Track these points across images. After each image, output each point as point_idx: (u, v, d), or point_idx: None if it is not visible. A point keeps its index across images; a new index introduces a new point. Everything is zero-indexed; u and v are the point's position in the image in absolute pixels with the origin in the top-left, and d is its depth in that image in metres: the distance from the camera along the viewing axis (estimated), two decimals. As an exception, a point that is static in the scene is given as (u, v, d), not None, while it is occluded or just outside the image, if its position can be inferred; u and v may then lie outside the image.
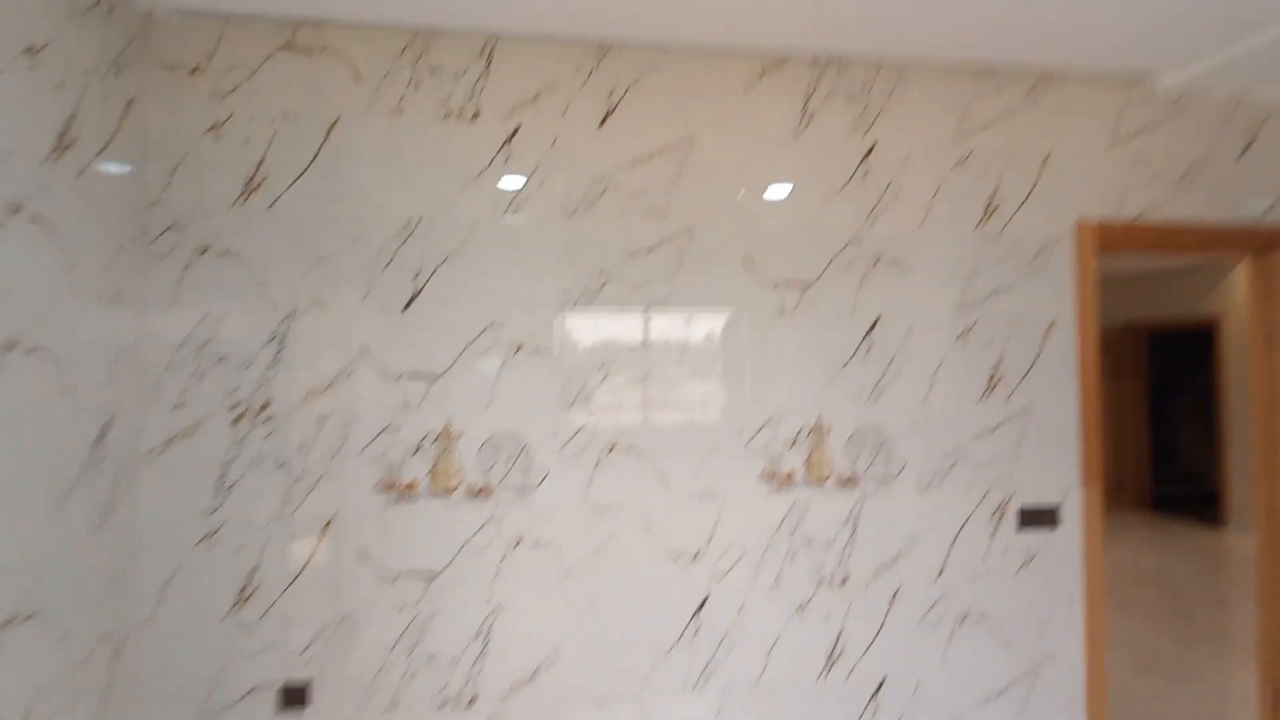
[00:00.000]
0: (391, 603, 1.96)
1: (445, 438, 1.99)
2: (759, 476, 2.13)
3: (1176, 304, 6.98)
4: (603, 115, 2.10)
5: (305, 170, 1.96)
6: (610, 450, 2.07)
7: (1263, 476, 2.56)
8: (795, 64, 2.20)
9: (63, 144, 1.56)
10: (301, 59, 1.98)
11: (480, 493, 2.00)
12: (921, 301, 2.22)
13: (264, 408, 1.92)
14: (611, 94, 2.11)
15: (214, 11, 1.92)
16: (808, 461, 2.15)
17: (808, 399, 2.16)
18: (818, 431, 2.16)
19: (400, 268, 1.99)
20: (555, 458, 2.04)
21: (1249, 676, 3.39)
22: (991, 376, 2.25)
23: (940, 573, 2.20)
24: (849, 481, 2.17)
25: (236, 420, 1.91)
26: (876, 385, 2.19)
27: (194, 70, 1.93)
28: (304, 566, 1.93)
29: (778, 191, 2.18)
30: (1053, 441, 2.28)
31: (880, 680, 2.16)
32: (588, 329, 2.07)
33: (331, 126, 1.98)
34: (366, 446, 1.96)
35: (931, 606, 2.19)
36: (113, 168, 1.75)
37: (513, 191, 2.05)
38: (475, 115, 2.04)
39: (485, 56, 2.06)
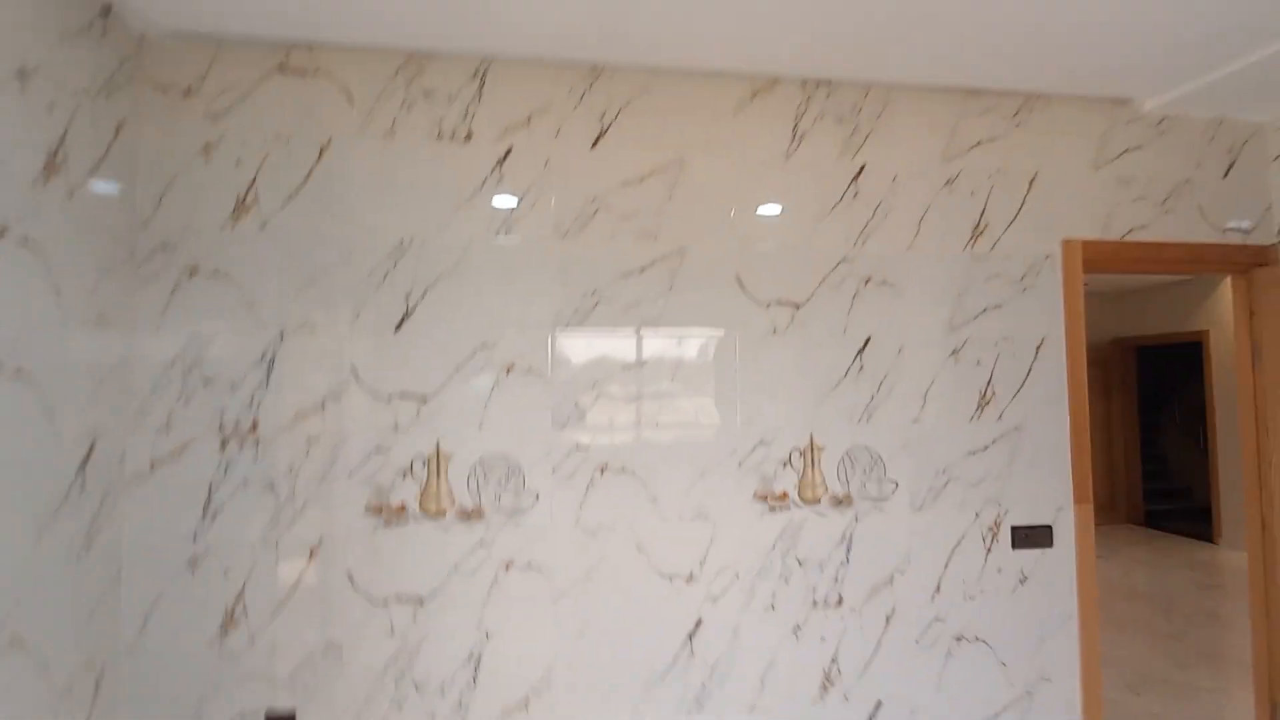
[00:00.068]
0: (380, 628, 1.92)
1: (436, 459, 1.97)
2: (752, 497, 2.12)
3: (1164, 319, 7.06)
4: (595, 137, 2.12)
5: (297, 191, 1.96)
6: (602, 471, 2.06)
7: (1253, 494, 2.57)
8: (785, 86, 2.23)
9: (52, 166, 1.55)
10: (295, 81, 1.98)
11: (471, 515, 1.98)
12: (912, 321, 2.23)
13: (252, 429, 1.90)
14: (603, 116, 2.13)
15: (207, 34, 1.93)
16: (800, 482, 2.14)
17: (800, 419, 2.16)
18: (810, 451, 2.16)
19: (392, 288, 1.99)
20: (547, 479, 2.03)
21: (1245, 694, 3.38)
22: (982, 395, 2.26)
23: (935, 593, 2.19)
24: (842, 501, 2.16)
25: (224, 442, 1.89)
26: (868, 405, 2.19)
27: (187, 92, 1.93)
28: (291, 591, 1.90)
29: (768, 212, 2.19)
30: (1044, 459, 2.28)
31: (876, 704, 2.14)
32: (580, 349, 2.07)
33: (324, 148, 1.98)
34: (356, 469, 1.94)
35: (927, 627, 2.18)
36: (102, 189, 1.74)
37: (505, 212, 2.05)
38: (468, 137, 2.05)
39: (478, 79, 2.07)
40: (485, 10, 1.83)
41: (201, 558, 1.87)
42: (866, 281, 2.22)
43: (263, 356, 1.91)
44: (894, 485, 2.19)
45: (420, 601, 1.94)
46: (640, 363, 2.09)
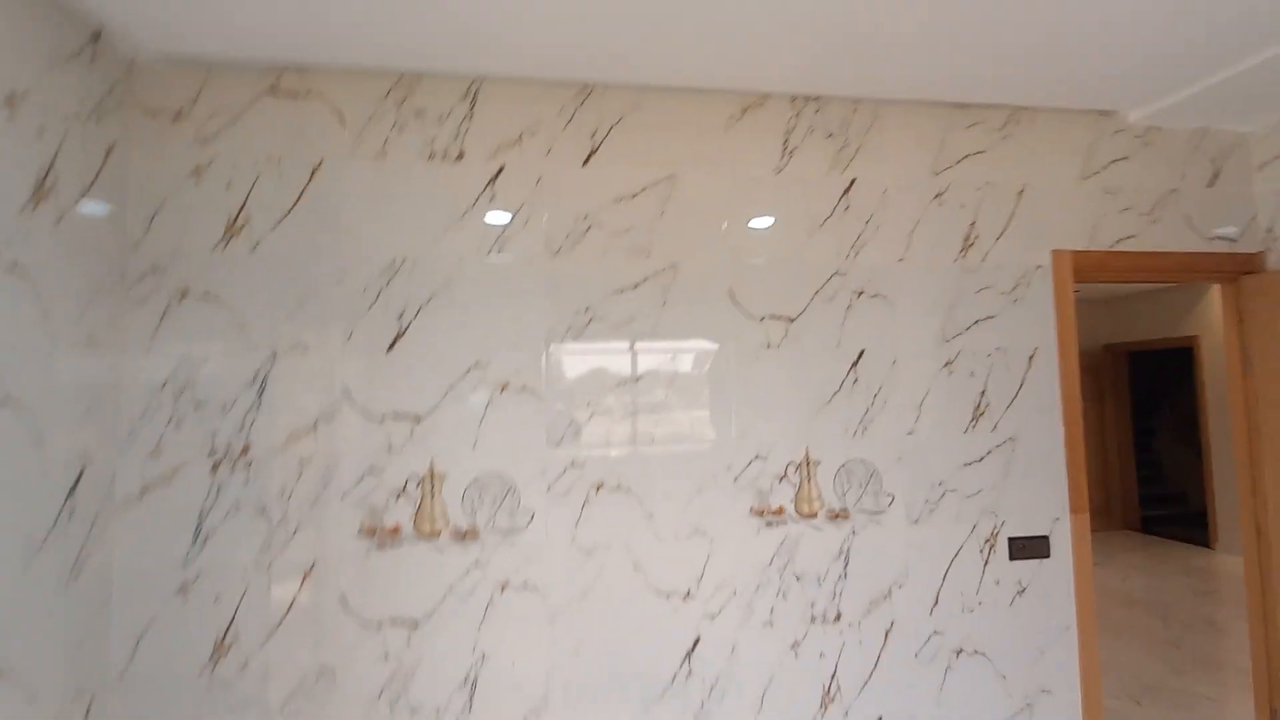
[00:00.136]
0: (374, 652, 1.90)
1: (430, 479, 1.96)
2: (748, 512, 2.12)
3: (1154, 325, 7.11)
4: (586, 154, 2.12)
5: (289, 213, 1.95)
6: (598, 488, 2.05)
7: (1247, 501, 2.58)
8: (775, 101, 2.25)
9: (41, 192, 1.55)
10: (286, 103, 1.99)
11: (466, 535, 1.96)
12: (905, 333, 2.24)
13: (244, 452, 1.88)
14: (594, 134, 2.14)
15: (198, 58, 1.93)
16: (797, 496, 2.14)
17: (795, 432, 2.16)
18: (806, 465, 2.15)
19: (384, 308, 1.98)
20: (542, 497, 2.02)
21: (1244, 701, 3.37)
22: (976, 407, 2.26)
23: (934, 606, 2.18)
24: (839, 515, 2.16)
25: (215, 466, 1.87)
26: (863, 418, 2.19)
27: (177, 115, 1.93)
28: (284, 616, 1.87)
29: (760, 227, 2.20)
30: (1039, 470, 2.29)
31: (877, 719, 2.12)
32: (574, 366, 2.06)
33: (315, 169, 1.98)
34: (349, 490, 1.92)
35: (926, 641, 2.17)
36: (92, 213, 1.73)
37: (497, 230, 2.05)
38: (460, 156, 2.06)
39: (469, 98, 2.08)
40: (475, 32, 1.84)
41: (192, 583, 1.84)
42: (859, 295, 2.23)
43: (254, 378, 1.90)
44: (890, 498, 2.19)
45: (415, 624, 1.92)
46: (634, 379, 2.09)
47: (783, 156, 2.24)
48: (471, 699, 1.92)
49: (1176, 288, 6.77)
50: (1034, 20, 1.84)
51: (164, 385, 1.86)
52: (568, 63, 2.02)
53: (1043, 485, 2.29)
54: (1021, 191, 2.36)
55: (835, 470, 2.17)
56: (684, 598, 2.06)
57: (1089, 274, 2.41)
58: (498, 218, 2.06)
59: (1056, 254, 2.36)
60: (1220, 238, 2.51)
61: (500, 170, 2.07)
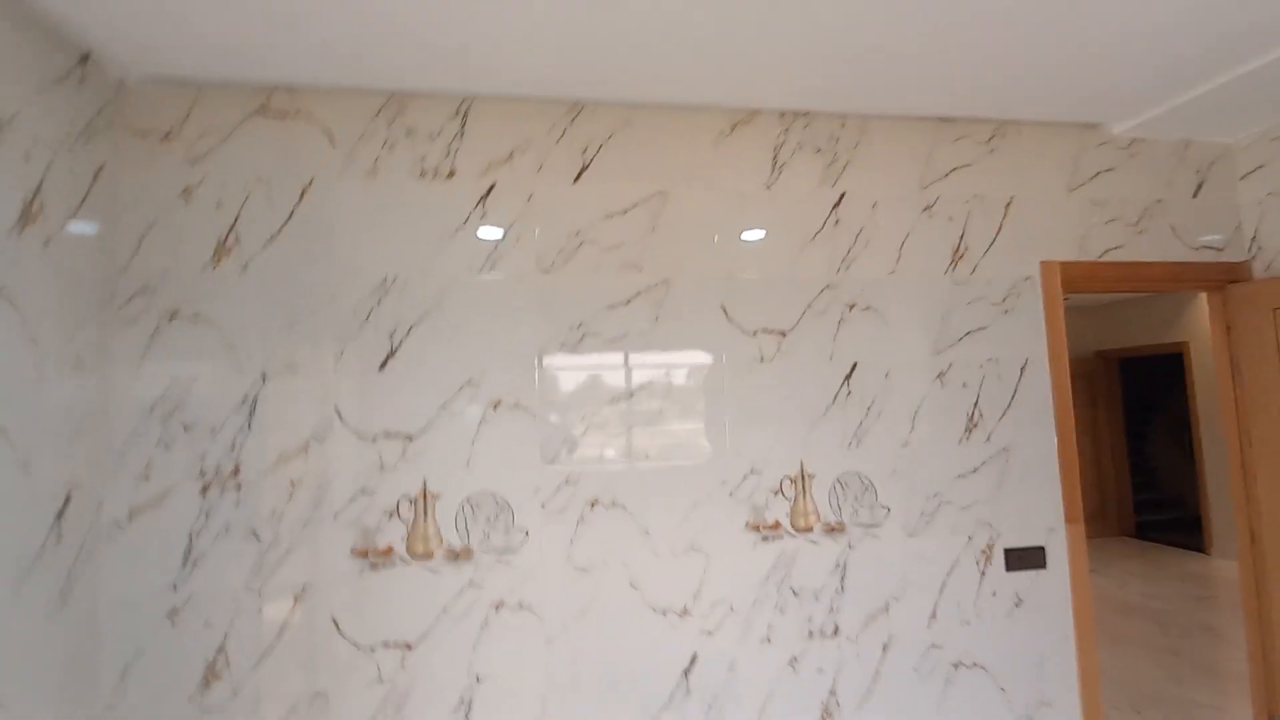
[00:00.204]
0: (368, 675, 1.87)
1: (423, 499, 1.94)
2: (744, 527, 2.11)
3: (1144, 331, 7.16)
4: (577, 171, 2.13)
5: (279, 233, 1.95)
6: (593, 505, 2.04)
7: (1241, 507, 2.59)
8: (764, 117, 2.26)
9: (28, 215, 1.54)
10: (275, 123, 1.99)
11: (459, 555, 1.95)
12: (897, 346, 2.25)
13: (234, 474, 1.86)
14: (585, 150, 2.15)
15: (188, 79, 1.93)
16: (793, 510, 2.13)
17: (789, 447, 2.15)
18: (801, 479, 2.15)
19: (375, 327, 1.97)
20: (537, 515, 2.00)
21: (1243, 708, 3.36)
22: (970, 418, 2.27)
23: (931, 619, 2.17)
24: (835, 529, 2.15)
25: (205, 488, 1.85)
26: (857, 430, 2.19)
27: (166, 136, 1.93)
28: (275, 640, 1.84)
29: (752, 242, 2.21)
30: (1034, 480, 2.29)
31: (876, 734, 2.11)
32: (567, 383, 2.06)
33: (306, 189, 1.98)
34: (341, 511, 1.90)
35: (924, 655, 2.16)
36: (80, 235, 1.72)
37: (489, 248, 2.05)
38: (451, 174, 2.06)
39: (460, 117, 2.08)
40: (465, 53, 1.85)
41: (182, 608, 1.82)
42: (851, 308, 2.23)
43: (244, 399, 1.89)
44: (886, 511, 2.18)
45: (409, 646, 1.90)
46: (628, 395, 2.08)
47: (773, 171, 2.25)
48: (466, 722, 1.90)
49: (1166, 294, 6.83)
50: (1020, 38, 1.87)
51: (153, 407, 1.85)
52: (558, 82, 2.03)
53: (1037, 496, 2.29)
54: (1009, 204, 2.38)
55: (830, 483, 2.16)
56: (681, 614, 2.04)
57: (1078, 284, 2.43)
58: (489, 235, 2.06)
59: (1045, 265, 2.38)
60: (1207, 247, 2.53)
61: (491, 188, 2.08)
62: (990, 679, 2.18)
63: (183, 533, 1.83)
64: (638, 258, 2.13)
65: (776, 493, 2.13)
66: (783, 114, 2.27)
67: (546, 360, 2.05)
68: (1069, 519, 2.29)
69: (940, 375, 2.26)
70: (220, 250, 1.92)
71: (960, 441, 2.25)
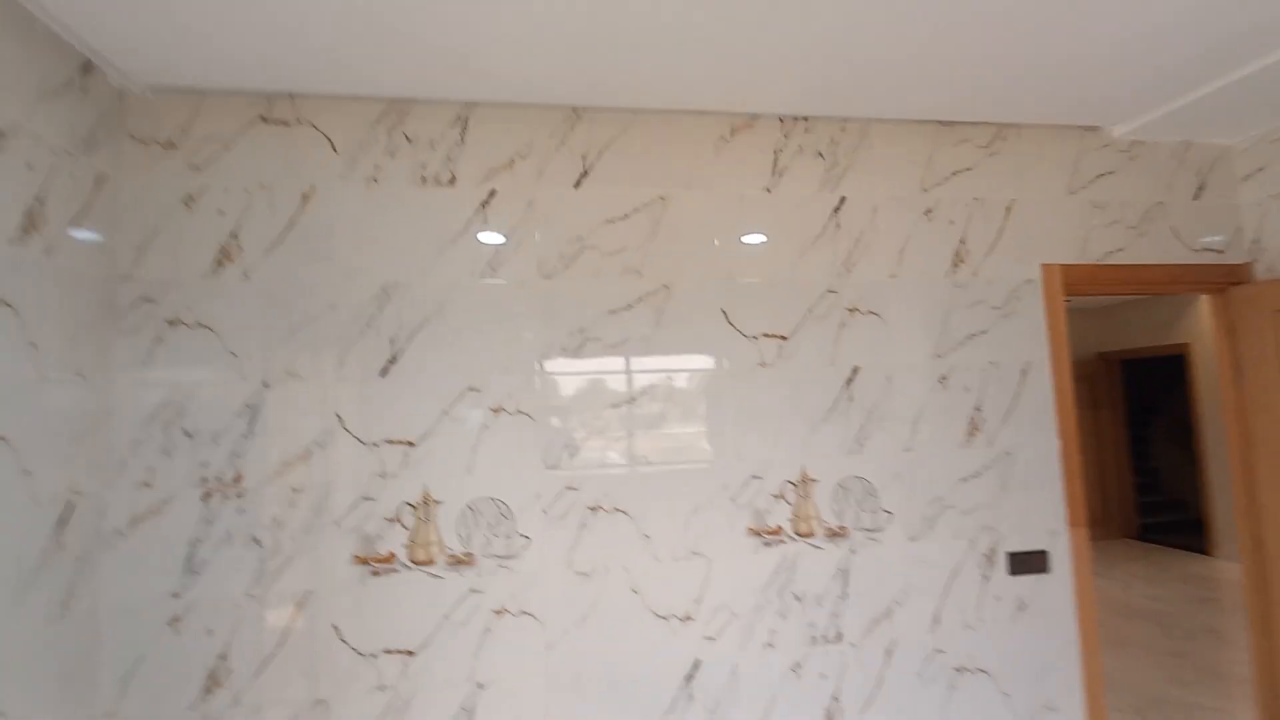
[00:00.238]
0: (369, 682, 1.87)
1: (424, 506, 1.94)
2: (746, 532, 2.10)
3: (1146, 333, 7.15)
4: (577, 177, 2.13)
5: (280, 240, 1.95)
6: (594, 511, 2.03)
7: (1243, 510, 2.58)
8: (764, 122, 2.27)
9: (30, 224, 1.54)
10: (277, 130, 1.99)
11: (461, 561, 1.94)
12: (899, 350, 2.24)
13: (235, 482, 1.86)
14: (585, 156, 2.15)
15: (189, 88, 1.94)
16: (794, 515, 2.13)
17: (791, 451, 2.15)
18: (803, 484, 2.14)
19: (377, 334, 1.97)
20: (538, 521, 2.00)
21: (1247, 712, 3.35)
22: (972, 421, 2.26)
23: (934, 624, 2.16)
24: (837, 534, 2.14)
25: (206, 496, 1.85)
26: (859, 435, 2.19)
27: (168, 144, 1.94)
28: (276, 648, 1.84)
29: (752, 246, 2.21)
30: (1036, 484, 2.28)
31: (880, 740, 2.10)
32: (568, 388, 2.06)
33: (307, 196, 1.98)
34: (342, 518, 1.90)
35: (928, 660, 2.15)
36: (82, 244, 1.73)
37: (490, 254, 2.06)
38: (451, 181, 2.06)
39: (460, 124, 2.09)
40: (465, 60, 1.86)
41: (183, 616, 1.81)
42: (852, 312, 2.23)
43: (246, 406, 1.89)
44: (888, 515, 2.18)
45: (410, 653, 1.89)
46: (629, 400, 2.08)
47: (773, 176, 2.25)
48: (468, 729, 1.89)
49: (1167, 295, 6.82)
50: (1020, 40, 1.87)
51: (154, 414, 1.85)
52: (558, 88, 2.03)
53: (1040, 499, 2.28)
54: (1010, 207, 2.38)
55: (832, 488, 2.16)
56: (683, 620, 2.04)
57: (1079, 287, 2.42)
58: (490, 241, 2.06)
59: (1046, 268, 2.37)
60: (1208, 248, 2.53)
61: (492, 194, 2.08)
62: (994, 684, 2.18)
63: (184, 540, 1.83)
64: (638, 263, 2.13)
65: (778, 497, 2.13)
66: (783, 118, 2.28)
67: (548, 366, 2.05)
68: (1072, 522, 2.28)
69: (942, 379, 2.26)
70: (222, 257, 1.92)
71: (962, 445, 2.25)
